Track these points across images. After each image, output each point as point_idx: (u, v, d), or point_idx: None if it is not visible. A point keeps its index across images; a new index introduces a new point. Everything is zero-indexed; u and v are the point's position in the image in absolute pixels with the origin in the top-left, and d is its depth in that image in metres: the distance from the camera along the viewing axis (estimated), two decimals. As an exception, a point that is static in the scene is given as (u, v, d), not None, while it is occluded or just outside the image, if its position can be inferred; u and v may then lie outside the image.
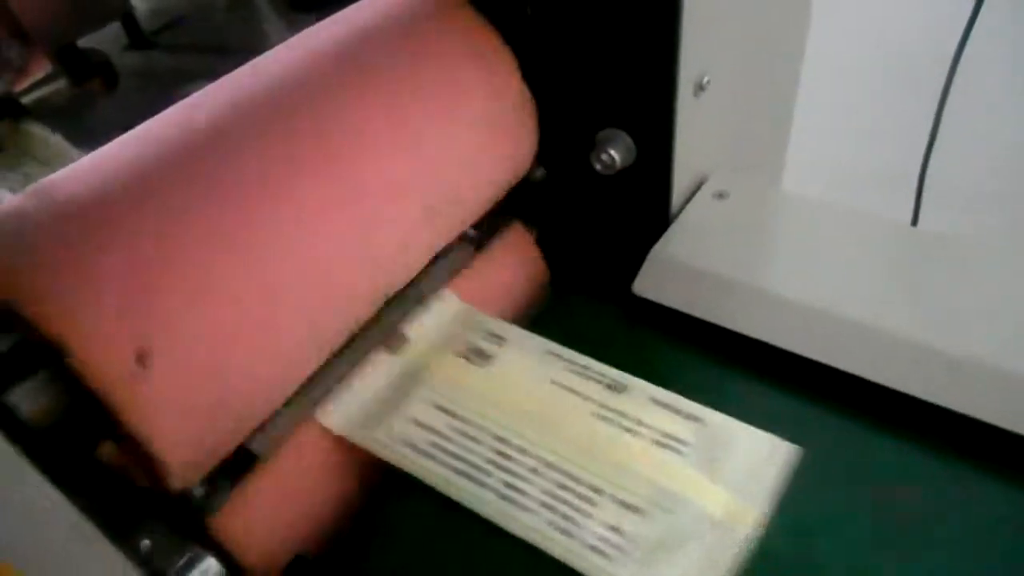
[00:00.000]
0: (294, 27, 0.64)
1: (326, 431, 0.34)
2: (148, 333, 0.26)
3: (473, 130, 0.38)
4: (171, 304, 0.26)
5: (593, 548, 0.30)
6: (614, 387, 0.35)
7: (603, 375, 0.36)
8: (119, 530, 0.25)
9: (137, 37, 0.71)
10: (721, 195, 0.43)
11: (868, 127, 0.99)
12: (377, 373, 0.37)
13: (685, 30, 0.35)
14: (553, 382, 0.36)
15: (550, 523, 0.31)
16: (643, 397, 0.35)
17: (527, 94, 0.40)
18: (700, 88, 0.39)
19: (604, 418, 0.34)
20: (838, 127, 0.97)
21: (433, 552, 0.32)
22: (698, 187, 0.44)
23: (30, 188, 0.27)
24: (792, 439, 0.33)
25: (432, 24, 0.38)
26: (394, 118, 0.35)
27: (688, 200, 0.43)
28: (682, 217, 0.42)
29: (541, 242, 0.46)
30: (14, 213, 0.26)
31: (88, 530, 0.22)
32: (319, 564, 0.33)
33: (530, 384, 0.36)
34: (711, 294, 0.38)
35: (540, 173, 0.45)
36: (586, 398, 0.35)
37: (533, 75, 0.40)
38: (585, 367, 0.36)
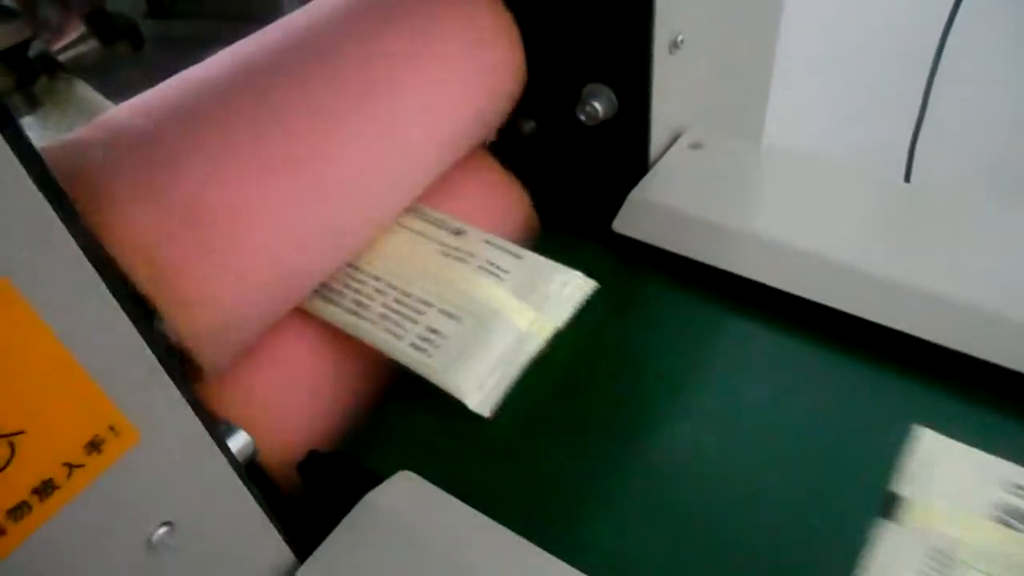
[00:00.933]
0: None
1: (312, 320, 0.39)
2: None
3: (478, 77, 0.42)
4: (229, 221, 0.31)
5: (413, 345, 0.37)
6: (457, 232, 0.42)
7: (448, 223, 0.42)
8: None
9: (156, 5, 0.76)
10: (696, 146, 0.47)
11: (856, 101, 1.02)
12: None
13: (659, -8, 0.39)
14: (403, 226, 0.42)
15: (385, 330, 0.38)
16: (478, 239, 0.42)
17: (520, 50, 0.45)
18: (675, 46, 0.43)
19: (444, 253, 0.41)
20: (822, 99, 1.01)
21: (430, 450, 0.37)
22: (675, 139, 0.48)
23: (95, 121, 0.31)
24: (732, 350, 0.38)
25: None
26: (411, 66, 0.39)
27: (666, 150, 0.47)
28: (659, 164, 0.46)
29: (532, 187, 0.50)
30: (79, 143, 0.30)
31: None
32: (332, 459, 0.37)
33: (391, 233, 0.42)
34: (681, 231, 0.43)
35: (530, 127, 0.50)
36: (431, 239, 0.42)
37: (525, 36, 0.44)
38: (437, 219, 0.43)
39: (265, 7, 0.75)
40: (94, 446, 0.21)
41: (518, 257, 0.41)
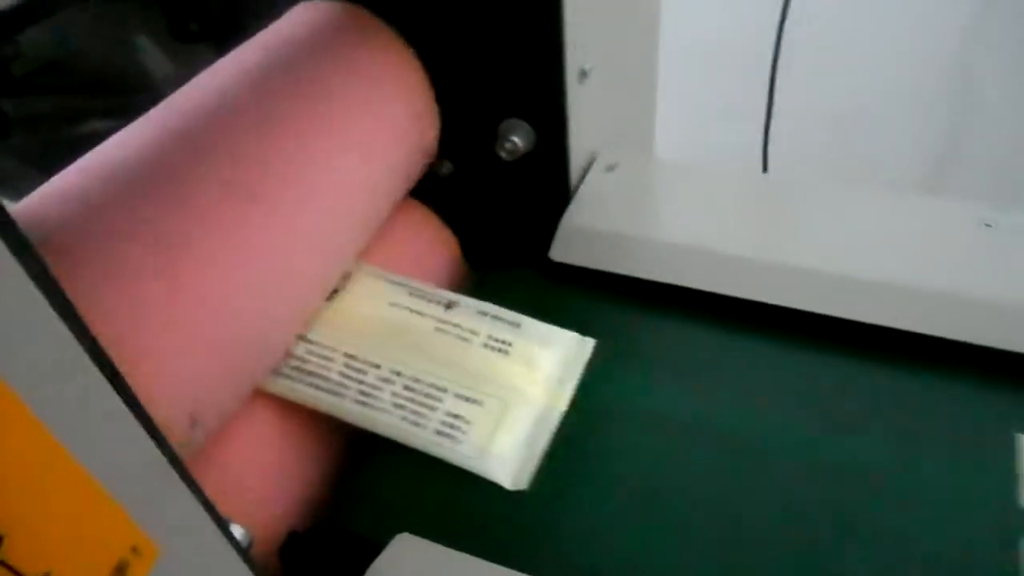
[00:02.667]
0: (179, 59, 0.65)
1: (272, 399, 0.37)
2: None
3: (388, 127, 0.42)
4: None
5: (438, 432, 0.36)
6: (448, 305, 0.41)
7: (437, 296, 0.41)
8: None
9: (9, 83, 0.70)
10: (611, 167, 0.49)
11: (715, 103, 1.09)
12: None
13: (567, 27, 0.41)
14: (393, 304, 0.41)
15: (403, 419, 0.36)
16: (471, 311, 0.41)
17: (429, 91, 0.45)
18: (584, 75, 0.45)
19: (441, 330, 0.40)
20: (693, 105, 1.07)
21: (416, 506, 0.36)
22: (591, 162, 0.50)
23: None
24: (676, 355, 0.40)
25: (349, 39, 0.41)
26: (321, 132, 0.38)
27: (584, 174, 0.49)
28: (582, 189, 0.48)
29: (456, 227, 0.50)
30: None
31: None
32: (313, 536, 0.35)
33: (374, 309, 0.41)
34: (614, 250, 0.44)
35: (447, 168, 0.50)
36: (424, 315, 0.40)
37: (437, 79, 0.45)
38: (421, 290, 0.42)
39: (135, 75, 0.71)
40: (120, 572, 0.19)
41: (517, 325, 0.40)
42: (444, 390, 0.37)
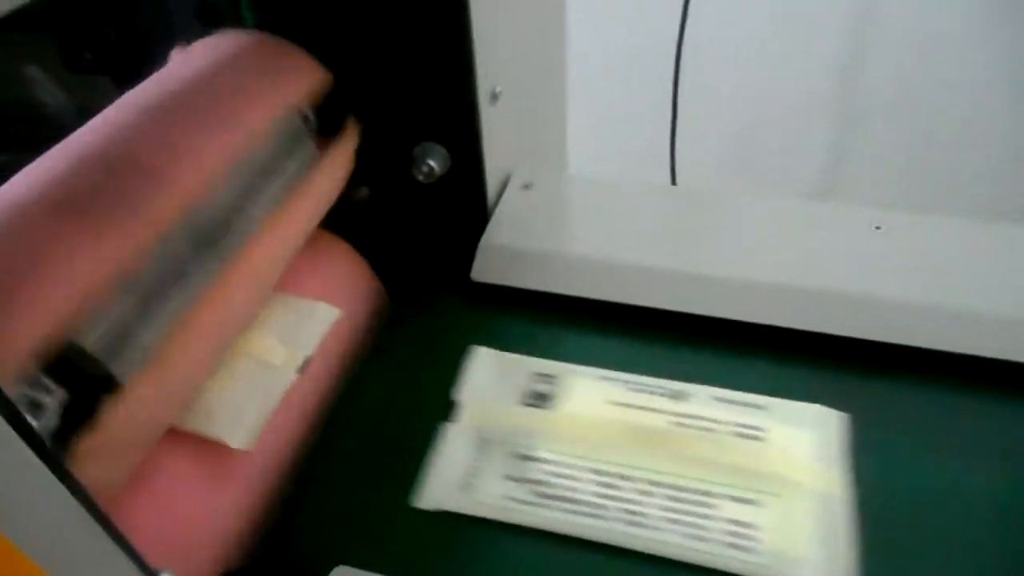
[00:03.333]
0: (75, 91, 0.62)
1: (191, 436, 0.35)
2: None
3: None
4: None
5: (730, 545, 0.33)
6: (676, 396, 0.38)
7: (660, 387, 0.39)
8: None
9: None
10: (527, 186, 0.50)
11: (622, 115, 1.13)
12: (448, 444, 0.38)
13: (477, 51, 0.41)
14: (618, 404, 0.38)
15: (682, 535, 0.33)
16: (706, 398, 0.38)
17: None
18: (495, 97, 0.46)
19: (682, 425, 0.37)
20: (601, 117, 1.10)
21: (352, 536, 0.35)
22: (506, 181, 0.50)
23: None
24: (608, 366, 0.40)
25: (255, 64, 0.41)
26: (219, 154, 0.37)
27: (500, 193, 0.49)
28: (499, 209, 0.48)
29: (372, 253, 0.50)
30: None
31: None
32: (249, 574, 0.35)
33: (599, 413, 0.38)
34: (535, 268, 0.45)
35: (364, 193, 0.50)
36: (655, 411, 0.38)
37: (351, 104, 0.45)
38: (641, 384, 0.39)
39: (26, 105, 0.68)
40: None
41: (760, 408, 0.38)
42: (712, 494, 0.34)
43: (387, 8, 0.41)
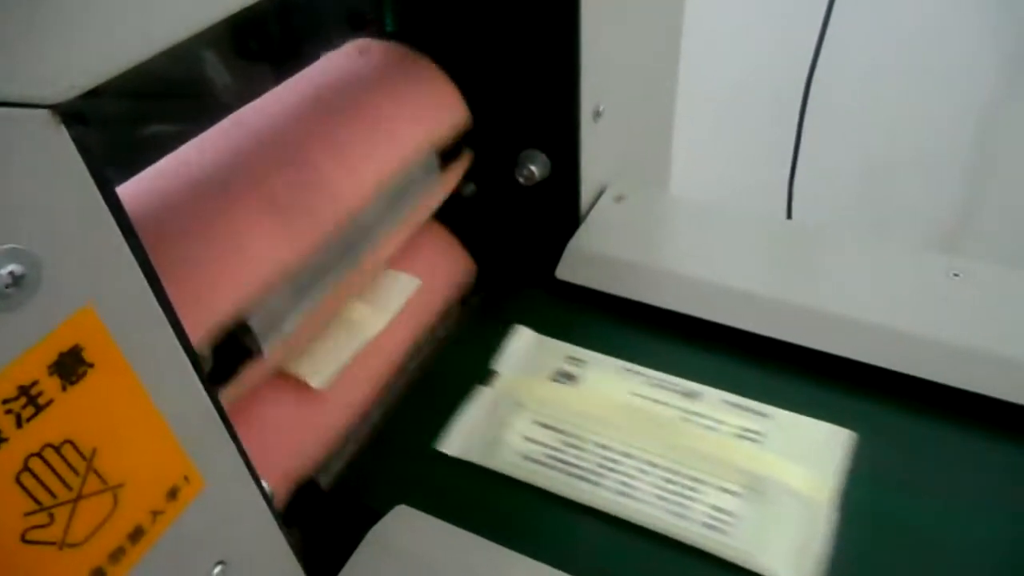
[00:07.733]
0: (238, 74, 0.71)
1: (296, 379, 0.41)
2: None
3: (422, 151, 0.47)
4: None
5: (705, 525, 0.36)
6: (689, 395, 0.42)
7: (676, 385, 0.43)
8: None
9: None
10: (619, 198, 0.54)
11: (740, 142, 1.13)
12: (479, 404, 0.43)
13: (583, 72, 0.46)
14: (634, 394, 0.42)
15: (666, 511, 0.37)
16: (716, 400, 0.42)
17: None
18: (597, 114, 0.50)
19: (688, 420, 0.41)
20: (716, 142, 1.11)
21: (418, 483, 0.40)
22: (601, 193, 0.54)
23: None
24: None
25: (397, 72, 0.47)
26: (368, 149, 0.43)
27: (594, 203, 0.54)
28: (590, 217, 0.52)
29: (472, 245, 0.55)
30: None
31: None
32: (323, 497, 0.40)
33: (617, 398, 0.42)
34: (616, 274, 0.49)
35: (470, 189, 0.55)
36: (667, 405, 0.41)
37: (471, 107, 0.50)
38: (660, 380, 0.43)
39: (197, 85, 0.78)
40: (172, 494, 0.24)
41: (765, 416, 0.41)
42: (701, 481, 0.38)
43: (509, 27, 0.46)
